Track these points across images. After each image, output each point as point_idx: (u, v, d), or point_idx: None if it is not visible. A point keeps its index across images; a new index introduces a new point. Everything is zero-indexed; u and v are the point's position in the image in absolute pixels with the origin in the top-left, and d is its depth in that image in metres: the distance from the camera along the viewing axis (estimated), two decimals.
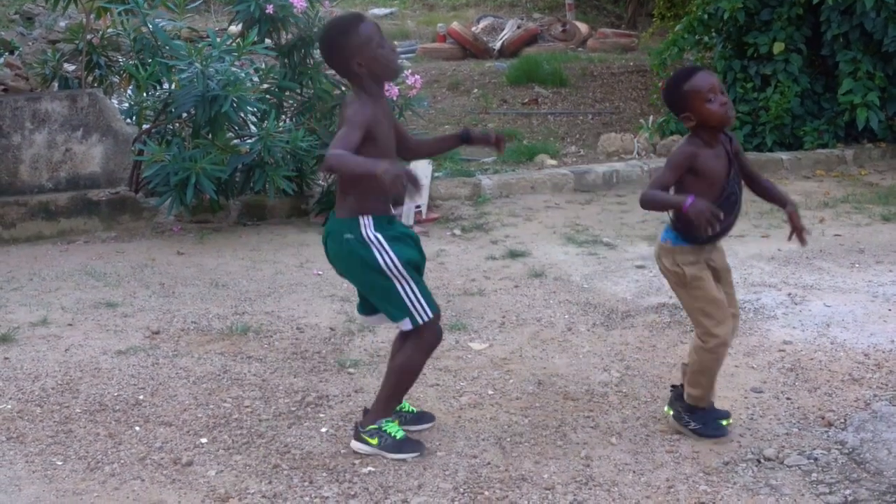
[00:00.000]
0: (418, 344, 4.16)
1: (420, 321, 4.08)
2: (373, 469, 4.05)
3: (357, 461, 4.13)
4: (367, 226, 4.01)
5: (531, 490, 3.90)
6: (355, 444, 4.22)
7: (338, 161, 3.79)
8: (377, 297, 4.14)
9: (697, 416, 4.29)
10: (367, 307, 4.28)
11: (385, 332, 5.31)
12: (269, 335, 5.58)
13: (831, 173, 9.80)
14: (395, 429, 4.20)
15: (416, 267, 4.11)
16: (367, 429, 4.20)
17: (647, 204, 4.10)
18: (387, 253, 4.00)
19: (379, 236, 4.00)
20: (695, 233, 4.04)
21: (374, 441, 4.17)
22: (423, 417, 4.46)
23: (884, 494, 3.79)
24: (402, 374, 4.23)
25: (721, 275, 4.24)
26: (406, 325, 4.10)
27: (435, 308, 4.13)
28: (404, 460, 4.12)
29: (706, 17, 10.72)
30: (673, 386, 4.46)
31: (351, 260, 4.06)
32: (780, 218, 4.38)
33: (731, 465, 4.06)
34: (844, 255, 6.93)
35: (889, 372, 4.93)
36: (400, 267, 4.02)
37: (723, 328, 4.13)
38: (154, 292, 6.32)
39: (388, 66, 3.99)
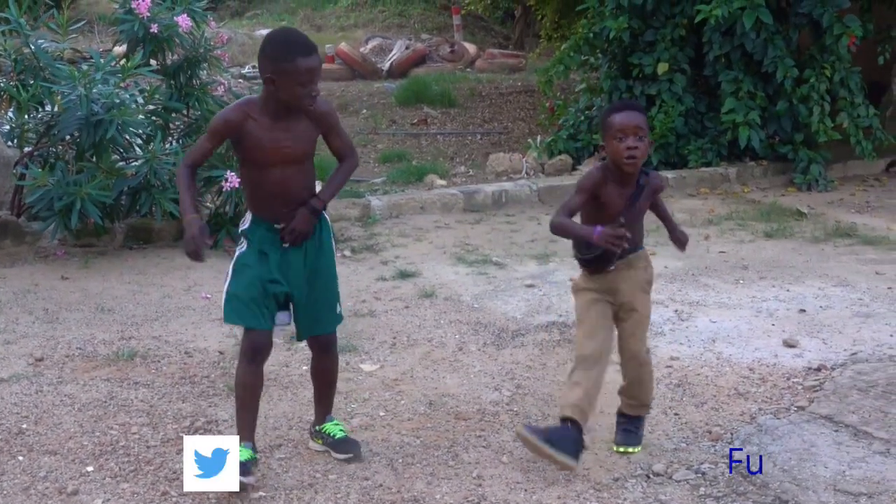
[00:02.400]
0: (239, 351, 4.15)
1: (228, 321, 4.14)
2: (263, 494, 4.01)
3: None
4: (245, 220, 4.14)
5: None
6: None
7: (178, 172, 4.12)
8: None
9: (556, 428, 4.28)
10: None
11: (274, 356, 5.26)
12: (156, 360, 5.49)
13: (715, 191, 9.99)
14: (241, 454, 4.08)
15: (260, 279, 4.03)
16: None
17: (557, 231, 4.13)
18: (240, 249, 4.12)
19: (246, 233, 4.11)
20: (604, 262, 4.14)
21: None
22: (344, 445, 4.32)
23: None
24: (235, 386, 4.19)
25: (621, 313, 4.26)
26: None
27: (244, 321, 4.07)
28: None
29: (592, 37, 10.88)
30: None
31: None
32: (667, 235, 4.43)
33: (621, 482, 4.09)
34: (729, 272, 7.06)
35: (773, 386, 5.03)
36: (232, 266, 4.08)
37: (589, 344, 4.15)
38: (37, 318, 6.18)
39: (291, 102, 3.94)
